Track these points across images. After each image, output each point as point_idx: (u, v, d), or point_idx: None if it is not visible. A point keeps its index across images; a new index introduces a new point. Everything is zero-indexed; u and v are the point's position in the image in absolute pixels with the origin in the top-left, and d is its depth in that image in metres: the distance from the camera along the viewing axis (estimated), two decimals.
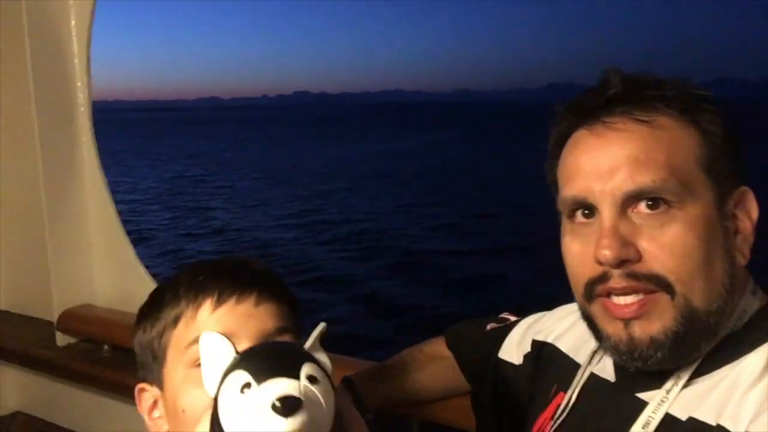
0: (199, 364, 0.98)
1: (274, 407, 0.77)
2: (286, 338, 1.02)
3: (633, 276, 0.89)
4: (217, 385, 0.86)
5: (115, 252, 2.39)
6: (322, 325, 0.90)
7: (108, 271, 2.40)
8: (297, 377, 0.82)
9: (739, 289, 0.93)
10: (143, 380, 1.09)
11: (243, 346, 0.97)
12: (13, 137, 2.41)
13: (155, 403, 1.07)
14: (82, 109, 2.31)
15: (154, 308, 1.08)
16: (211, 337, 0.91)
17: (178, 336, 1.03)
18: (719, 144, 0.93)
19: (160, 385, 1.05)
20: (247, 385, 0.81)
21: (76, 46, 2.27)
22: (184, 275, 1.08)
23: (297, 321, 1.09)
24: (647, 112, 0.92)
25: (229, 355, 0.88)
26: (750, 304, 0.95)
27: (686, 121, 0.93)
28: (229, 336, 0.96)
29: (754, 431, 0.81)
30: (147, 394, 1.08)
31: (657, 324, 0.89)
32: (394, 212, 19.37)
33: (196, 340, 0.99)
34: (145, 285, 2.39)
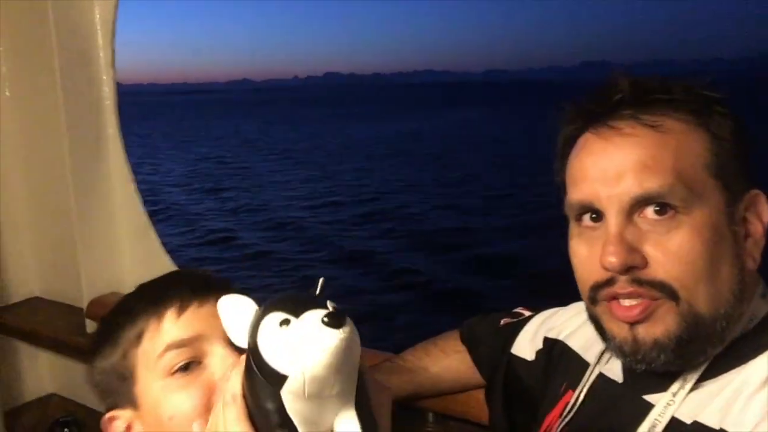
0: (175, 371, 0.99)
1: (324, 322, 0.79)
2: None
3: (638, 282, 0.89)
4: (248, 334, 0.86)
5: (141, 241, 2.45)
6: (321, 279, 0.92)
7: (134, 260, 2.46)
8: (326, 307, 0.84)
9: (749, 293, 0.92)
10: (111, 408, 1.06)
11: (214, 346, 0.99)
12: (42, 130, 2.46)
13: (128, 428, 1.04)
14: (108, 102, 2.36)
15: (108, 335, 1.06)
16: (228, 298, 0.91)
17: (146, 350, 1.02)
18: (729, 147, 0.91)
19: (135, 405, 1.04)
20: (286, 321, 0.82)
21: (101, 39, 2.31)
22: (132, 297, 1.08)
23: None
24: (655, 116, 0.91)
25: (251, 309, 0.89)
26: (759, 308, 0.94)
27: (695, 125, 0.91)
28: (196, 338, 0.98)
29: None
30: (118, 421, 1.05)
31: (661, 327, 0.89)
32: (403, 191, 19.45)
33: (167, 349, 0.99)
34: None
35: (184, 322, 1.01)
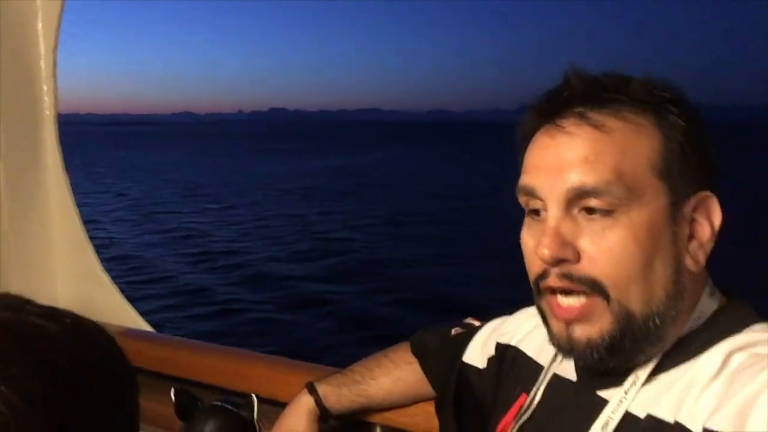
0: None
1: None
2: None
3: (568, 277, 0.90)
4: None
5: (79, 259, 2.34)
6: None
7: (71, 279, 2.35)
8: None
9: (691, 292, 0.94)
10: None
11: None
12: None
13: None
14: (48, 112, 2.27)
15: None
16: None
17: None
18: (678, 148, 0.92)
19: None
20: None
21: (42, 48, 2.24)
22: None
23: None
24: (602, 116, 0.92)
25: None
26: (707, 305, 0.96)
27: (645, 125, 0.92)
28: None
29: (710, 427, 0.82)
30: None
31: (595, 327, 0.91)
32: (276, 228, 19.64)
33: None
34: (110, 293, 2.35)
35: None
